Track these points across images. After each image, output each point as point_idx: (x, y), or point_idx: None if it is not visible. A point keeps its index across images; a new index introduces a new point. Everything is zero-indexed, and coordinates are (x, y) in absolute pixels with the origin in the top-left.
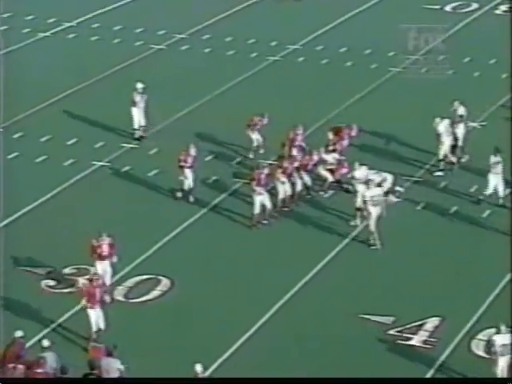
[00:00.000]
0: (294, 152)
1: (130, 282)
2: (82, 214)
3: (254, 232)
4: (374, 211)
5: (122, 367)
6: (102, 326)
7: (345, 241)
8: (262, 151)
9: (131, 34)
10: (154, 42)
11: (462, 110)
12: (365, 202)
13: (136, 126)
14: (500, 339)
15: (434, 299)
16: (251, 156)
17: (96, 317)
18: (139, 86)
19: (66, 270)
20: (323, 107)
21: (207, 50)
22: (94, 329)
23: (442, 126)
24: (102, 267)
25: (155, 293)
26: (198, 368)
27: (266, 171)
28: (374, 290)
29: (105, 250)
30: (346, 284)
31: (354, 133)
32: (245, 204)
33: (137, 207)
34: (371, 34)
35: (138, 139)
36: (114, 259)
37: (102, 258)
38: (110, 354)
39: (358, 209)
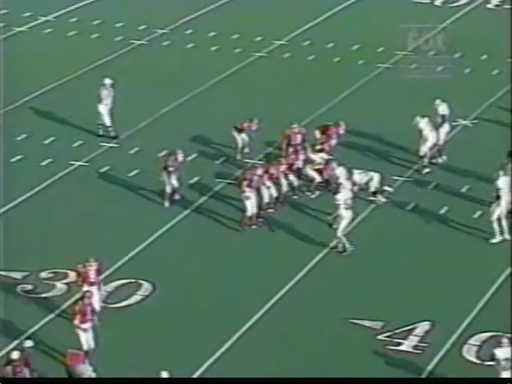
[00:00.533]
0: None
1: (110, 287)
2: (60, 216)
3: (239, 234)
4: (347, 215)
5: (93, 374)
6: (93, 344)
7: (332, 243)
8: (246, 150)
9: (111, 28)
10: (134, 37)
11: (443, 109)
12: (337, 205)
13: (108, 124)
14: (502, 353)
15: (424, 303)
16: (238, 157)
17: (86, 337)
18: (107, 81)
19: (43, 274)
20: (310, 105)
21: (190, 46)
22: (85, 348)
23: (423, 123)
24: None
25: (136, 297)
26: (164, 376)
27: (259, 172)
28: (362, 293)
29: (92, 276)
30: (333, 288)
31: (341, 130)
32: (228, 206)
33: (116, 209)
34: (359, 29)
35: (115, 137)
36: (102, 285)
37: (89, 284)
38: (86, 361)
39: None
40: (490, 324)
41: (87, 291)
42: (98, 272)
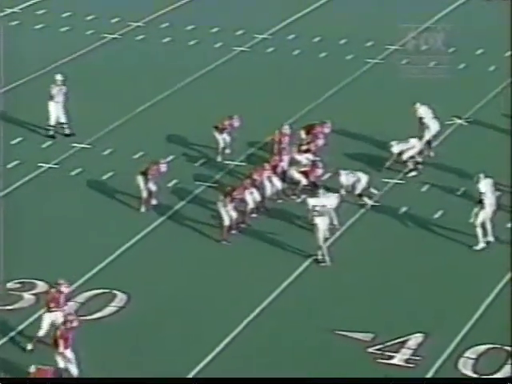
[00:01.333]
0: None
1: (82, 298)
2: (27, 222)
3: (219, 242)
4: (321, 222)
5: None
6: (76, 373)
7: (319, 252)
8: (228, 151)
9: (81, 21)
10: (106, 31)
11: (422, 112)
12: (309, 212)
13: (52, 123)
14: None
15: (417, 313)
16: (219, 158)
17: (66, 360)
18: (58, 77)
19: (10, 285)
20: (294, 103)
21: (166, 40)
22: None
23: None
24: (53, 318)
25: (110, 309)
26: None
27: (247, 183)
28: (350, 303)
29: (61, 300)
30: (319, 298)
31: (326, 129)
32: (208, 211)
33: (89, 214)
34: (347, 22)
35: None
36: (70, 307)
37: (56, 307)
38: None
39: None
40: (487, 335)
41: (69, 314)
42: (67, 296)
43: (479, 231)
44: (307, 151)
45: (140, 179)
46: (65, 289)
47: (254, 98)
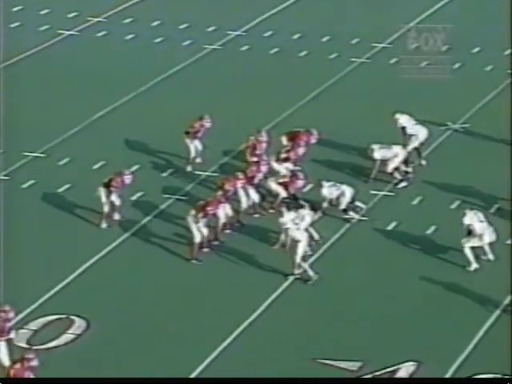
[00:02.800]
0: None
1: (35, 324)
2: None
3: (188, 261)
4: (302, 236)
5: None
6: None
7: (296, 270)
8: (199, 160)
9: (35, 17)
10: (63, 27)
11: (403, 121)
12: (285, 229)
13: None
14: None
15: (408, 340)
16: (189, 168)
17: None
18: None
19: None
20: (272, 106)
21: (129, 37)
22: None
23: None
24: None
25: (67, 337)
26: None
27: (219, 195)
28: (335, 329)
29: (6, 328)
30: (300, 323)
31: (313, 139)
32: (177, 226)
33: (43, 230)
34: (329, 18)
35: None
36: (12, 334)
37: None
38: None
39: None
40: (486, 364)
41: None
42: (11, 324)
43: (469, 253)
44: (286, 160)
45: (102, 191)
46: (10, 315)
47: (228, 101)
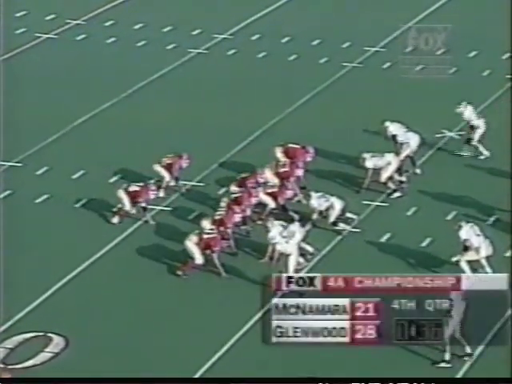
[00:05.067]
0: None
1: (11, 342)
2: None
3: (172, 276)
4: (292, 249)
5: None
6: None
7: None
8: (172, 184)
9: (10, 19)
10: (40, 30)
11: (393, 129)
12: (272, 244)
13: None
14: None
15: (402, 358)
16: (161, 194)
17: None
18: None
19: None
20: (260, 113)
21: (110, 41)
22: None
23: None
24: None
25: (44, 355)
26: None
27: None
28: (329, 347)
29: None
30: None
31: (309, 157)
32: (159, 238)
33: (21, 244)
34: (320, 21)
35: None
36: None
37: None
38: None
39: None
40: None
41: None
42: None
43: (466, 267)
44: (284, 178)
45: (123, 197)
46: None
47: (213, 108)
